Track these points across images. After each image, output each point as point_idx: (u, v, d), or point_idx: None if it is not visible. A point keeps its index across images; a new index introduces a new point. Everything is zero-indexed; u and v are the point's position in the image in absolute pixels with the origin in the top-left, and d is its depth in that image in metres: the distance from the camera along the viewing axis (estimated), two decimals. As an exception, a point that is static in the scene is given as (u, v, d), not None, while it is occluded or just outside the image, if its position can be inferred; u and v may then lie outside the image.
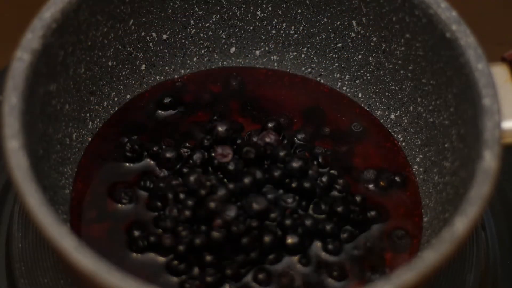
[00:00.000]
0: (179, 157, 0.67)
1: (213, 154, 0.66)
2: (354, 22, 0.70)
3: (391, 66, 0.70)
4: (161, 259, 0.64)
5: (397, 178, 0.69)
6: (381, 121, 0.72)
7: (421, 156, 0.69)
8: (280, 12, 0.72)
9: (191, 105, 0.71)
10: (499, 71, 0.64)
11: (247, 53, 0.74)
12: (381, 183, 0.68)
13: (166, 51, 0.72)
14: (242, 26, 0.73)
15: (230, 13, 0.72)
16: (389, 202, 0.68)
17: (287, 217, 0.65)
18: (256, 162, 0.66)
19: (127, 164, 0.68)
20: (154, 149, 0.68)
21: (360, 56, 0.72)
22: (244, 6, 0.72)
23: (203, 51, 0.74)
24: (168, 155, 0.67)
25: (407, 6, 0.66)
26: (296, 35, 0.73)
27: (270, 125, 0.69)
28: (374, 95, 0.72)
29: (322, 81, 0.73)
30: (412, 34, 0.67)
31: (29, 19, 0.63)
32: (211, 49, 0.74)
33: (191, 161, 0.66)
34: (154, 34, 0.71)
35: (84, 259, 0.55)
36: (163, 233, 0.64)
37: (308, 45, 0.73)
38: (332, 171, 0.67)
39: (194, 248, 0.63)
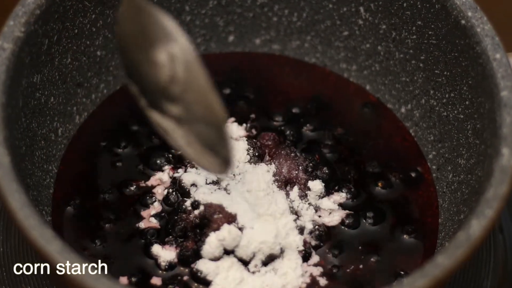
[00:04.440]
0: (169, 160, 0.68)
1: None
2: (361, 8, 0.70)
3: (401, 55, 0.70)
4: (150, 261, 0.64)
5: (408, 177, 0.69)
6: (391, 115, 0.72)
7: (434, 152, 0.69)
8: (282, -3, 0.72)
9: None
10: (518, 61, 0.63)
11: (246, 42, 0.74)
12: (390, 181, 0.68)
13: None
14: (241, 12, 0.73)
15: (228, -2, 0.73)
16: (400, 202, 0.68)
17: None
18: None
19: (116, 162, 0.68)
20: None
21: (368, 45, 0.72)
22: (243, -9, 0.73)
23: (199, 40, 0.73)
24: (158, 161, 0.68)
25: (419, -9, 0.67)
26: (299, 23, 0.73)
27: (277, 118, 0.70)
28: (383, 87, 0.72)
29: (327, 71, 0.73)
30: (424, 21, 0.67)
31: (11, 5, 0.63)
32: (207, 37, 0.73)
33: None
34: (146, 21, 0.72)
35: (69, 263, 0.55)
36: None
37: (312, 33, 0.73)
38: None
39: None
